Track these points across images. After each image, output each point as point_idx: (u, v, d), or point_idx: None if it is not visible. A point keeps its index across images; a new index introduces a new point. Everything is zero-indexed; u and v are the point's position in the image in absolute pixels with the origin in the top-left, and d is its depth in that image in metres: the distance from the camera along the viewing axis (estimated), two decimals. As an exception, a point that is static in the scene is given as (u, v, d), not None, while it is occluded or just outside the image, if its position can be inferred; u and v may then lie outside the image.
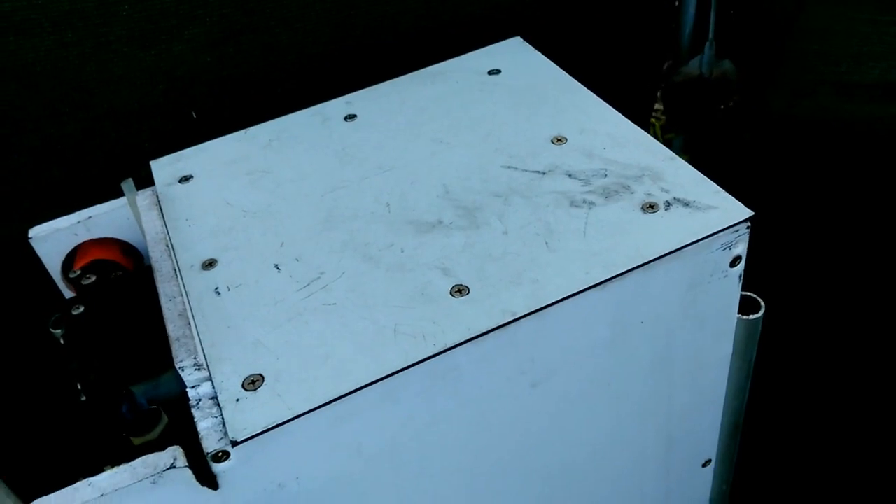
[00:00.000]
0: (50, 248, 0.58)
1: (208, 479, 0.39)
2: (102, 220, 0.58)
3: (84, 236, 0.58)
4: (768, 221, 0.60)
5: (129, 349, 0.47)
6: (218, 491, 0.39)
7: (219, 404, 0.40)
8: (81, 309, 0.49)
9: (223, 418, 0.39)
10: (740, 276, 0.49)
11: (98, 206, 0.59)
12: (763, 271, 0.60)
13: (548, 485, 0.54)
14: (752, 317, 0.51)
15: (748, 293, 0.52)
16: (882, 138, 1.01)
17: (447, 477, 0.48)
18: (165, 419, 0.44)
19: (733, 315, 0.51)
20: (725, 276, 0.48)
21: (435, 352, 0.41)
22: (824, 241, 1.06)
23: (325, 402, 0.39)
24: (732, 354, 0.53)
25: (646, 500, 0.61)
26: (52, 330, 0.53)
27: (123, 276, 0.52)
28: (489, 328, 0.42)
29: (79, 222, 0.57)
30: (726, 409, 0.57)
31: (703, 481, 0.63)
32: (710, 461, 0.62)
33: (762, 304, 0.52)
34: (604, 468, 0.56)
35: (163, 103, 0.73)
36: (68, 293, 0.59)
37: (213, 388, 0.40)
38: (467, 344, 0.41)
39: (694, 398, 0.55)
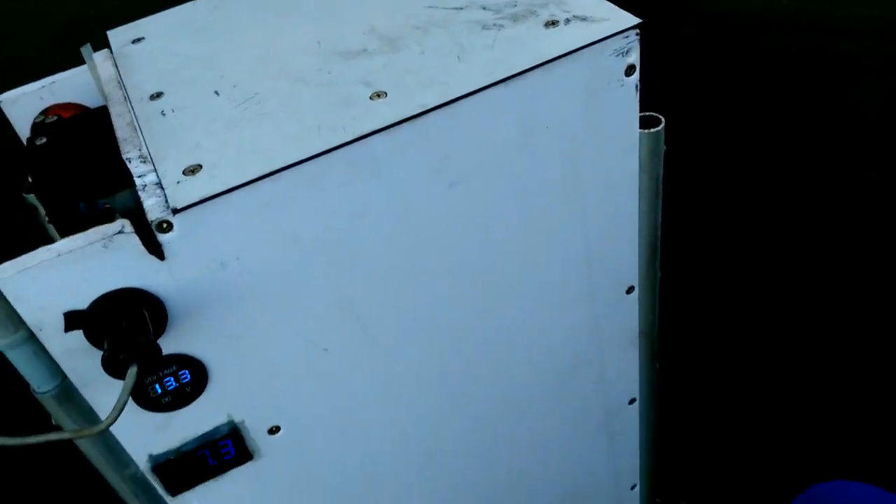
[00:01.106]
0: (19, 111, 0.62)
1: (155, 248, 0.44)
2: (66, 84, 0.63)
3: (49, 100, 0.63)
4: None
5: (87, 168, 0.52)
6: (165, 262, 0.45)
7: (162, 187, 0.45)
8: (44, 140, 0.54)
9: (165, 196, 0.44)
10: (636, 86, 0.54)
11: (62, 73, 0.64)
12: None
13: (474, 303, 0.59)
14: (653, 130, 0.57)
15: (650, 113, 0.58)
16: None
17: (377, 277, 0.53)
18: (119, 217, 0.49)
19: (635, 128, 0.56)
20: (622, 85, 0.53)
21: (352, 138, 0.46)
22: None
23: (254, 177, 0.44)
24: (640, 171, 0.59)
25: (577, 328, 0.67)
26: (24, 195, 0.58)
27: (84, 114, 0.57)
28: (402, 118, 0.47)
29: (43, 87, 0.62)
30: (641, 231, 0.63)
31: (630, 309, 0.69)
32: (633, 288, 0.67)
33: (662, 119, 0.57)
34: (529, 287, 0.61)
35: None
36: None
37: (157, 176, 0.46)
38: (382, 133, 0.47)
39: (608, 215, 0.60)
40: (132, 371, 0.42)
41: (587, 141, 0.54)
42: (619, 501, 0.90)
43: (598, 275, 0.64)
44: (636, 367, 0.75)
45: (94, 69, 0.61)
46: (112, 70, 0.58)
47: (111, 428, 0.49)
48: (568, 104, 0.52)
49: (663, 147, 0.59)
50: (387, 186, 0.49)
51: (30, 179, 0.55)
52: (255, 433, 0.56)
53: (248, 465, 0.57)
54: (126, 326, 0.44)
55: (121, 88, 0.55)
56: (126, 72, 0.57)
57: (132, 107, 0.53)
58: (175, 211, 0.43)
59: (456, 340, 0.60)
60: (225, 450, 0.56)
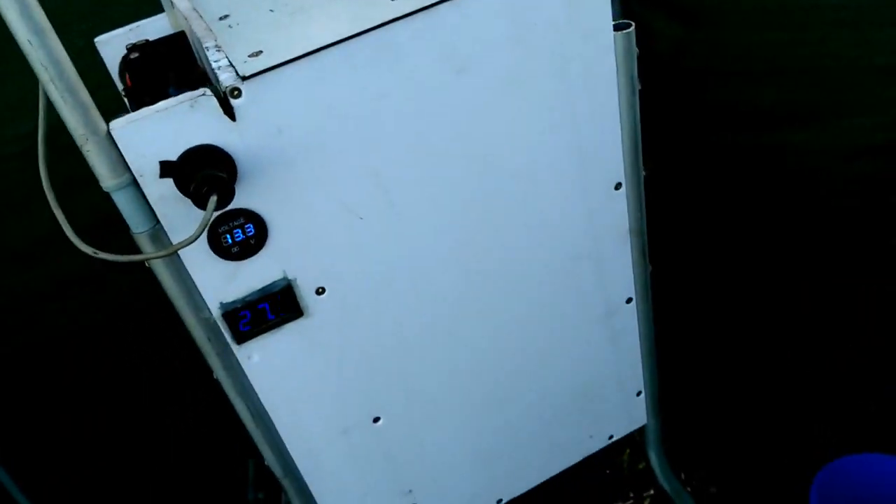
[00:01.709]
0: (110, 51, 0.77)
1: (228, 110, 0.57)
2: (148, 27, 0.77)
3: (134, 41, 0.78)
4: None
5: (170, 69, 0.66)
6: (236, 123, 0.58)
7: (233, 65, 0.58)
8: (137, 55, 0.68)
9: (236, 70, 0.57)
10: (608, -7, 0.66)
11: (144, 19, 0.79)
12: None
13: (480, 181, 0.71)
14: (625, 31, 0.69)
15: (622, 21, 0.70)
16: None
17: (397, 152, 0.65)
18: (198, 100, 0.62)
19: (609, 29, 0.68)
20: (596, -9, 0.66)
21: (374, 24, 0.59)
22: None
23: (301, 54, 0.57)
24: (617, 69, 0.71)
25: (573, 218, 0.78)
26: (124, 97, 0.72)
27: (165, 37, 0.71)
28: (415, 9, 0.60)
29: (130, 30, 0.77)
30: (623, 128, 0.75)
31: (619, 205, 0.80)
32: (620, 184, 0.79)
33: (633, 24, 0.69)
34: (528, 170, 0.73)
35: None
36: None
37: (229, 60, 0.59)
38: (399, 22, 0.59)
39: (593, 110, 0.72)
40: (212, 200, 0.55)
41: (570, 39, 0.67)
42: (626, 410, 0.99)
43: (589, 167, 0.76)
44: (630, 266, 0.85)
45: (172, 14, 0.75)
46: (187, 3, 0.72)
47: (192, 273, 0.62)
48: (551, 7, 0.65)
49: (636, 49, 0.71)
50: (405, 70, 0.62)
51: (124, 85, 0.69)
52: (305, 292, 0.68)
53: (300, 321, 0.69)
54: (208, 169, 0.56)
55: (195, 13, 0.68)
56: (197, 4, 0.71)
57: (206, 24, 0.66)
58: (244, 78, 0.56)
59: (465, 215, 0.72)
60: (281, 304, 0.68)
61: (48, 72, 0.51)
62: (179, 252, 0.60)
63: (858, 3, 1.11)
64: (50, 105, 0.54)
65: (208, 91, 0.56)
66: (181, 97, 0.56)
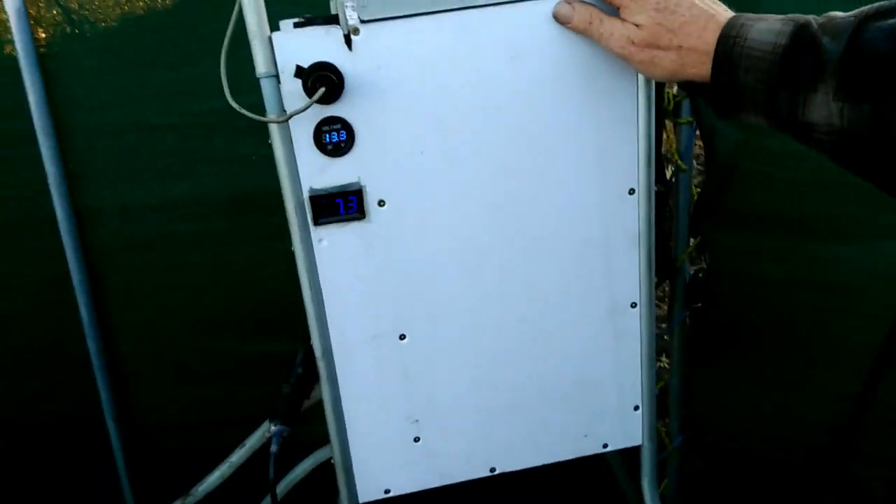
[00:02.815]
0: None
1: (348, 42, 0.85)
2: None
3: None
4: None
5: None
6: (351, 53, 0.85)
7: (356, 10, 0.86)
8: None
9: (359, 16, 0.85)
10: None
11: None
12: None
13: (516, 161, 0.93)
14: (644, 61, 0.91)
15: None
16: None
17: (459, 112, 0.90)
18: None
19: (633, 57, 0.91)
20: (624, 26, 0.90)
21: (458, 6, 0.86)
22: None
23: (405, 14, 0.85)
24: (637, 88, 0.93)
25: (589, 213, 0.98)
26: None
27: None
28: (488, 3, 0.86)
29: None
30: (639, 138, 0.95)
31: (631, 211, 0.99)
32: (633, 190, 0.98)
33: (652, 58, 0.92)
34: (555, 167, 0.94)
35: None
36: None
37: (354, 9, 0.87)
38: (477, 9, 0.86)
39: (614, 117, 0.93)
40: (320, 91, 0.82)
41: (603, 52, 0.90)
42: (623, 422, 1.10)
43: (607, 168, 0.96)
44: (636, 270, 1.02)
45: None
46: None
47: (297, 155, 0.88)
48: (588, 29, 0.89)
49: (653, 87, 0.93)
50: (474, 46, 0.87)
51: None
52: (371, 200, 0.92)
53: (362, 223, 0.92)
54: (326, 76, 0.83)
55: None
56: None
57: None
58: (363, 22, 0.84)
59: (499, 181, 0.93)
60: (351, 203, 0.91)
61: (247, -14, 0.81)
62: (293, 135, 0.87)
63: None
64: (240, 13, 0.84)
65: (338, 25, 0.85)
66: (320, 26, 0.85)
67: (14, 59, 1.37)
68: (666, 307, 1.70)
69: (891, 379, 1.47)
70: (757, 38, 0.75)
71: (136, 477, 1.73)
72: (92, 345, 1.60)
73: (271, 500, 1.02)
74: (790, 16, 0.75)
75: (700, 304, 1.57)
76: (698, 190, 1.49)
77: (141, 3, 1.41)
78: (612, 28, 0.83)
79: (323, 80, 0.82)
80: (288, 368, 1.01)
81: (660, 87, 1.43)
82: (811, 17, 0.74)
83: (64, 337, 1.59)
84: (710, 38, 0.77)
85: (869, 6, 0.71)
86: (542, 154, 0.94)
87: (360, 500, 1.05)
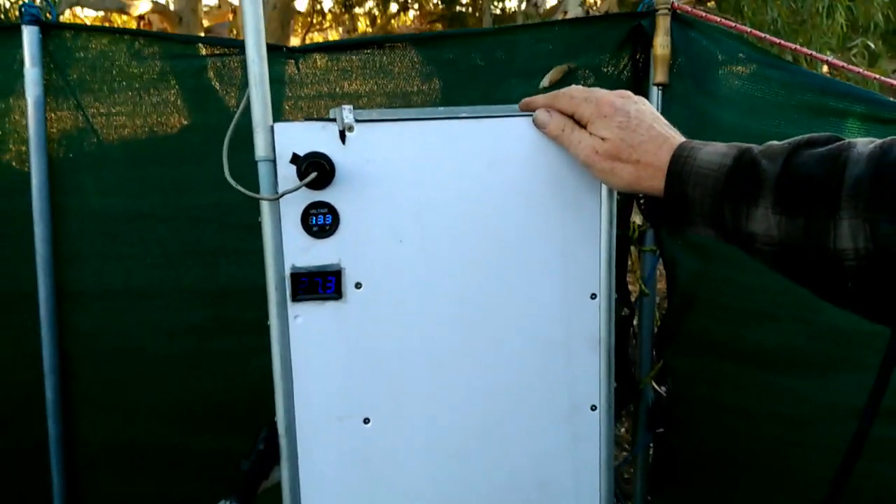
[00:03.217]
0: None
1: (342, 138, 0.94)
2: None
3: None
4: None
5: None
6: (344, 146, 0.94)
7: (352, 114, 0.96)
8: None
9: (354, 117, 0.95)
10: (599, 148, 1.01)
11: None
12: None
13: (484, 263, 1.00)
14: (608, 177, 1.01)
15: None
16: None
17: (434, 211, 0.98)
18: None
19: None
20: (591, 145, 1.00)
21: (443, 116, 0.96)
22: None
23: (393, 118, 0.95)
24: (601, 201, 1.02)
25: (553, 315, 1.04)
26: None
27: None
28: (472, 115, 0.97)
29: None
30: (601, 246, 1.03)
31: (593, 315, 1.05)
32: (595, 295, 1.04)
33: (615, 175, 1.02)
34: (523, 270, 1.01)
35: None
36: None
37: (351, 112, 0.97)
38: (459, 120, 0.96)
39: (580, 228, 1.01)
40: (312, 175, 0.90)
41: (571, 166, 0.99)
42: (580, 524, 1.11)
43: (571, 273, 1.03)
44: (597, 373, 1.07)
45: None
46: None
47: (284, 234, 0.94)
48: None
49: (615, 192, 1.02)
50: (456, 153, 0.97)
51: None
52: (348, 281, 0.97)
53: (338, 302, 0.97)
54: (319, 162, 0.92)
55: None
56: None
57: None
58: (357, 121, 0.94)
59: (469, 275, 1.00)
60: (330, 283, 0.97)
61: (256, 79, 0.91)
62: (282, 215, 0.94)
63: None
64: (246, 108, 0.93)
65: (334, 122, 0.94)
66: (318, 122, 0.94)
67: (26, 142, 1.46)
68: (627, 432, 1.72)
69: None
70: (705, 158, 0.84)
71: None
72: (52, 427, 1.59)
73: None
74: (734, 143, 0.86)
75: (662, 430, 1.60)
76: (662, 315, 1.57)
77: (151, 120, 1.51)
78: (580, 137, 0.93)
79: (315, 167, 0.91)
80: (250, 445, 1.02)
81: (625, 216, 1.55)
82: (752, 145, 0.84)
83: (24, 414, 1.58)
84: (664, 157, 0.87)
85: (801, 136, 0.81)
86: (511, 255, 1.01)
87: None
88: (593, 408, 1.07)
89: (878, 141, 0.75)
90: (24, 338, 1.55)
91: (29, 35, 1.42)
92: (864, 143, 0.75)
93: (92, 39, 1.45)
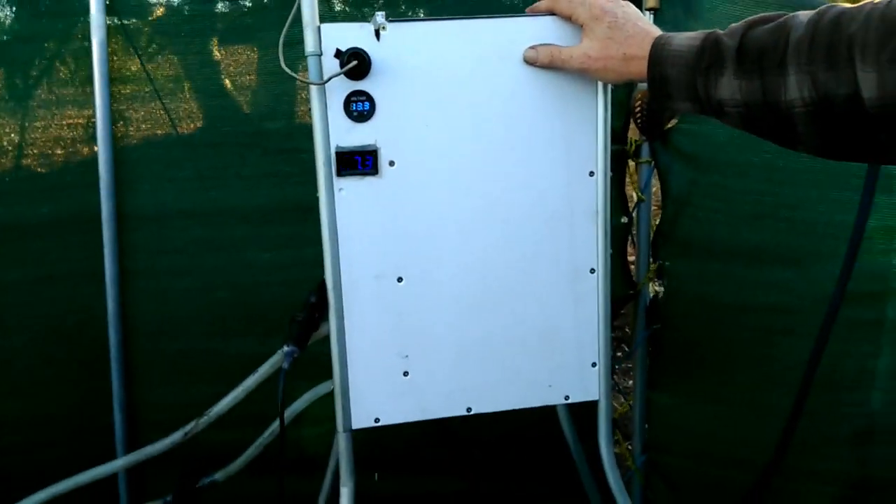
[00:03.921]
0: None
1: (377, 35, 1.12)
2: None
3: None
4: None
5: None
6: (378, 42, 1.12)
7: (385, 17, 1.14)
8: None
9: (386, 18, 1.13)
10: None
11: None
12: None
13: (496, 149, 1.18)
14: (601, 69, 1.19)
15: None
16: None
17: (455, 96, 1.16)
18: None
19: (592, 66, 1.19)
20: (585, 41, 1.18)
21: (462, 17, 1.14)
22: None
23: (417, 19, 1.13)
24: (597, 91, 1.19)
25: (557, 191, 1.22)
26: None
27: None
28: (483, 17, 1.15)
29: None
30: (597, 128, 1.21)
31: (591, 190, 1.23)
32: (593, 172, 1.22)
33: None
34: (531, 154, 1.19)
35: None
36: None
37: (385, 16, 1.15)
38: (474, 19, 1.14)
39: (578, 115, 1.19)
40: (352, 63, 1.08)
41: (567, 64, 1.17)
42: (582, 377, 1.29)
43: (572, 155, 1.21)
44: (595, 241, 1.25)
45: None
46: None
47: (330, 119, 1.13)
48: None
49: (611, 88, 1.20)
50: (474, 49, 1.15)
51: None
52: (383, 160, 1.16)
53: (374, 178, 1.16)
54: (358, 55, 1.10)
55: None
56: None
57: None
58: (388, 20, 1.12)
59: (483, 159, 1.18)
60: (368, 161, 1.15)
61: (306, -15, 1.10)
62: (328, 102, 1.12)
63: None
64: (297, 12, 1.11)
65: (370, 24, 1.12)
66: (357, 23, 1.12)
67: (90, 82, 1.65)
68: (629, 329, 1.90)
69: (819, 395, 1.65)
70: (679, 43, 1.02)
71: (137, 471, 1.86)
72: (113, 336, 1.78)
73: (279, 415, 1.19)
74: (702, 31, 1.03)
75: (658, 326, 1.78)
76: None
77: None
78: (570, 52, 1.11)
79: (355, 57, 1.09)
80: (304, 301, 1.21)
81: (624, 131, 1.72)
82: (717, 30, 1.01)
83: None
84: (647, 48, 1.04)
85: (757, 15, 0.99)
86: (522, 139, 1.19)
87: (354, 426, 1.22)
88: (592, 271, 1.26)
89: (817, 12, 0.92)
90: (91, 258, 1.74)
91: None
92: (805, 14, 0.93)
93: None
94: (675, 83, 1.01)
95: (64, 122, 1.70)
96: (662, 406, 1.86)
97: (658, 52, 1.02)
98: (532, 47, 1.15)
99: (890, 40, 0.77)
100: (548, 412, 1.46)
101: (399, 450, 1.89)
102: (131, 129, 1.72)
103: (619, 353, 2.65)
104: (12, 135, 1.70)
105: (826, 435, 1.71)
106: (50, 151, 1.71)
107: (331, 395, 1.22)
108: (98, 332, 1.79)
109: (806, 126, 0.89)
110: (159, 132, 1.72)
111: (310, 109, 1.15)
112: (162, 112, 1.72)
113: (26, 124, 1.70)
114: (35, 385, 1.81)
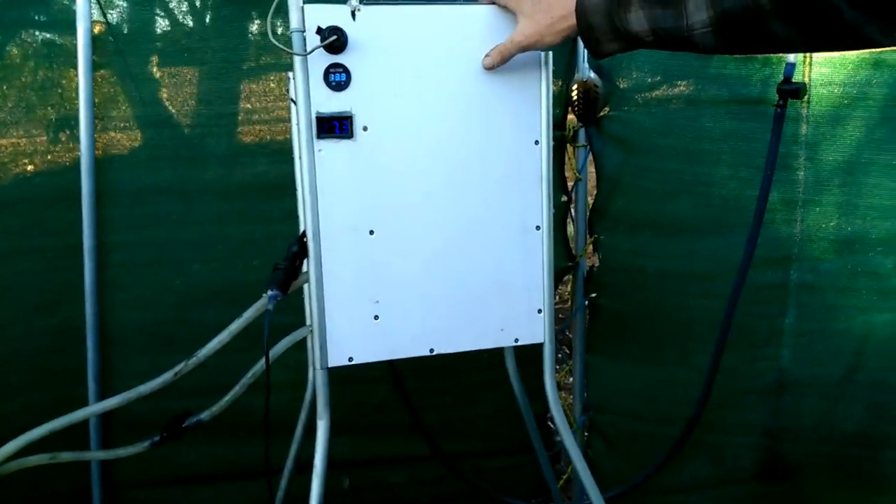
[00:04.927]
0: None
1: (353, 15, 1.30)
2: None
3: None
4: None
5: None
6: (354, 21, 1.30)
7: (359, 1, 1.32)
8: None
9: (360, 1, 1.31)
10: (538, 30, 1.39)
11: None
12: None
13: (456, 123, 1.37)
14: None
15: (547, 51, 1.41)
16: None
17: (421, 70, 1.34)
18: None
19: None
20: (531, 27, 1.39)
21: (425, 2, 1.33)
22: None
23: (386, 3, 1.31)
24: (540, 67, 1.39)
25: (509, 165, 1.40)
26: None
27: None
28: (444, 2, 1.34)
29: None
30: (542, 101, 1.40)
31: (537, 157, 1.42)
32: (538, 141, 1.41)
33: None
34: (485, 126, 1.38)
35: None
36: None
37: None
38: (436, 5, 1.33)
39: (523, 87, 1.39)
40: (331, 38, 1.25)
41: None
42: (530, 322, 1.47)
43: (520, 126, 1.40)
44: (539, 201, 1.44)
45: None
46: None
47: (311, 88, 1.29)
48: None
49: (552, 67, 1.40)
50: (439, 29, 1.33)
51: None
52: (357, 126, 1.33)
53: (349, 141, 1.33)
54: (336, 30, 1.27)
55: None
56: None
57: None
58: (362, 3, 1.30)
59: (447, 131, 1.36)
60: (345, 126, 1.32)
61: (292, -29, 1.27)
62: (309, 73, 1.29)
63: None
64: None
65: (348, 6, 1.30)
66: (335, 4, 1.30)
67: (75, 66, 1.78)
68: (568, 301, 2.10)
69: (738, 351, 1.88)
70: None
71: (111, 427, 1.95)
72: (90, 308, 1.89)
73: (265, 355, 1.33)
74: None
75: (595, 295, 1.98)
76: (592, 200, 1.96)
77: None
78: (511, 38, 1.29)
79: (334, 32, 1.27)
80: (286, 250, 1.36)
81: (563, 119, 1.93)
82: None
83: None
84: (570, 7, 1.20)
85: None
86: (478, 111, 1.38)
87: (329, 364, 1.37)
88: (538, 228, 1.45)
89: None
90: (69, 232, 1.85)
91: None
92: None
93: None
94: (599, 28, 1.16)
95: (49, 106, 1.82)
96: (600, 368, 2.06)
97: (582, 7, 1.18)
98: (486, 55, 1.34)
99: None
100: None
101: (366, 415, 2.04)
102: (114, 111, 1.84)
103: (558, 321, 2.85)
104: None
105: (742, 388, 1.93)
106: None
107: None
108: (75, 303, 1.89)
109: (711, 44, 1.04)
110: (144, 111, 1.85)
111: (282, 94, 1.31)
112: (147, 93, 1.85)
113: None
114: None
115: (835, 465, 1.86)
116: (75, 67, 1.79)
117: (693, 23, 1.03)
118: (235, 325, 1.40)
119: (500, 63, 1.33)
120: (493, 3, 1.34)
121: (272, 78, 1.88)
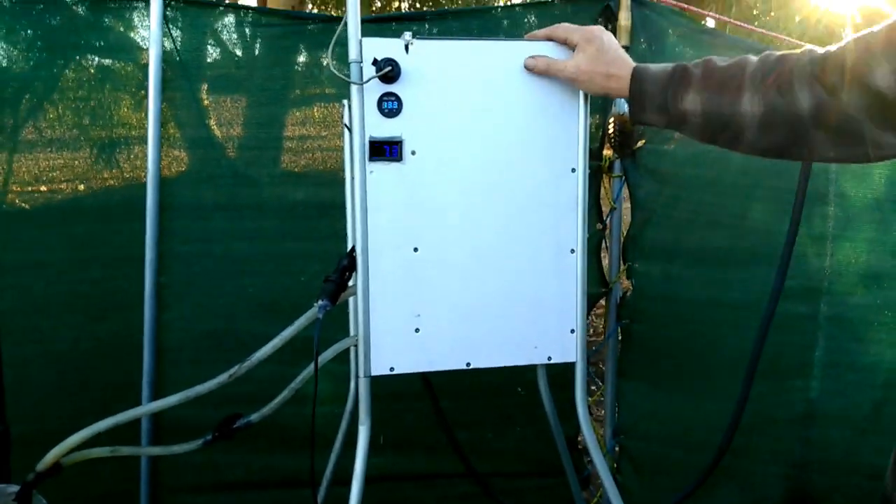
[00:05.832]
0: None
1: (406, 49, 1.41)
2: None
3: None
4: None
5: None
6: (407, 54, 1.41)
7: (413, 36, 1.43)
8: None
9: (413, 36, 1.42)
10: (577, 66, 1.48)
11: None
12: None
13: (496, 157, 1.46)
14: (583, 86, 1.49)
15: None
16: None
17: (462, 100, 1.44)
18: (393, 56, 1.47)
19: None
20: (571, 63, 1.48)
21: (473, 39, 1.43)
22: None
23: (436, 38, 1.42)
24: (579, 102, 1.48)
25: (546, 191, 1.49)
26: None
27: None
28: (490, 40, 1.44)
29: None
30: (580, 130, 1.49)
31: (573, 184, 1.50)
32: (574, 169, 1.50)
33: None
34: (525, 157, 1.47)
35: None
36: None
37: (412, 35, 1.44)
38: (483, 41, 1.44)
39: (564, 119, 1.48)
40: (386, 69, 1.36)
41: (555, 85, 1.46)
42: (562, 341, 1.54)
43: (556, 155, 1.49)
44: (575, 226, 1.52)
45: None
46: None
47: (366, 113, 1.40)
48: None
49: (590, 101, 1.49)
50: (483, 63, 1.43)
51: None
52: (406, 149, 1.43)
53: (399, 164, 1.43)
54: (390, 63, 1.38)
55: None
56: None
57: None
58: (414, 37, 1.41)
59: (490, 157, 1.46)
60: (394, 150, 1.42)
61: (351, 9, 1.38)
62: (364, 101, 1.40)
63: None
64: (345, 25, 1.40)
65: (401, 42, 1.41)
66: (390, 39, 1.41)
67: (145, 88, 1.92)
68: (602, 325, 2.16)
69: (767, 381, 1.92)
70: (656, 68, 1.30)
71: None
72: (148, 315, 2.01)
73: (314, 361, 1.42)
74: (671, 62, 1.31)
75: (628, 320, 2.04)
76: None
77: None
78: (564, 63, 1.40)
79: (388, 64, 1.38)
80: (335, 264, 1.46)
81: (600, 150, 2.02)
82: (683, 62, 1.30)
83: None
84: (626, 69, 1.32)
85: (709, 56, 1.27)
86: (518, 139, 1.47)
87: (372, 373, 1.46)
88: (572, 251, 1.53)
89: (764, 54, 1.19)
90: (133, 242, 1.98)
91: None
92: (755, 56, 1.20)
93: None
94: (650, 97, 1.28)
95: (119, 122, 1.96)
96: (631, 393, 2.11)
97: (640, 73, 1.30)
98: (531, 57, 1.43)
99: (813, 69, 1.07)
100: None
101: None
102: (176, 131, 1.98)
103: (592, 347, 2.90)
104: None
105: (772, 418, 1.97)
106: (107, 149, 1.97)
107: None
108: (128, 311, 2.01)
109: (753, 131, 1.16)
110: (203, 133, 1.99)
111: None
112: (205, 113, 1.99)
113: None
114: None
115: (862, 497, 1.88)
116: (139, 90, 1.93)
117: (744, 112, 1.13)
118: (288, 332, 1.50)
119: (540, 72, 1.42)
120: (549, 38, 1.43)
121: (318, 106, 2.00)
